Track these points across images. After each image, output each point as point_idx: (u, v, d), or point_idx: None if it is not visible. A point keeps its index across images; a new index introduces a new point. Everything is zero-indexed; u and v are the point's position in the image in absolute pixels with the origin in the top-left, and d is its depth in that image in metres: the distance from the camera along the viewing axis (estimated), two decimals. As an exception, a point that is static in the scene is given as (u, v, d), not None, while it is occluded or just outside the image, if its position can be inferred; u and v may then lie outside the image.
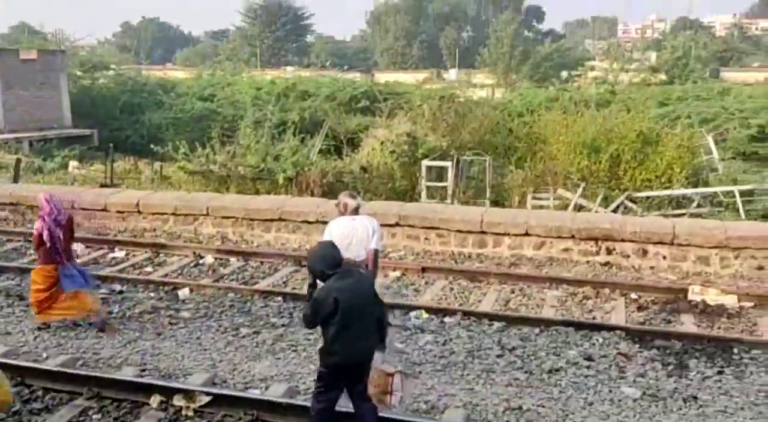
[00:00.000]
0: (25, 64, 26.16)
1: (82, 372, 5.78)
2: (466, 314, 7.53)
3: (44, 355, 6.35)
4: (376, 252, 5.64)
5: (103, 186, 14.30)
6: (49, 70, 27.11)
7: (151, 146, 17.78)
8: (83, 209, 11.42)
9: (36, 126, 25.69)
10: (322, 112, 24.07)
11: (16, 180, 15.01)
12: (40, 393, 5.62)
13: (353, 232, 5.54)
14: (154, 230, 11.16)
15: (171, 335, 6.99)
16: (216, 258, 9.72)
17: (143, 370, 6.07)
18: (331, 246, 4.68)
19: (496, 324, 7.27)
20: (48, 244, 6.91)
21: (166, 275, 9.03)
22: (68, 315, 7.03)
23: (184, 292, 8.22)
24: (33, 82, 26.21)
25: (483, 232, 9.93)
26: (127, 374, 5.86)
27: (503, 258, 9.79)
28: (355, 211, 5.68)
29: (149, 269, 9.36)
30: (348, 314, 4.36)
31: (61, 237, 6.95)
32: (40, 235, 6.91)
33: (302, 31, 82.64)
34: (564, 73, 43.58)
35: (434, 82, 35.06)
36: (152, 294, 8.21)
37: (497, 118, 18.43)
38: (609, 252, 9.51)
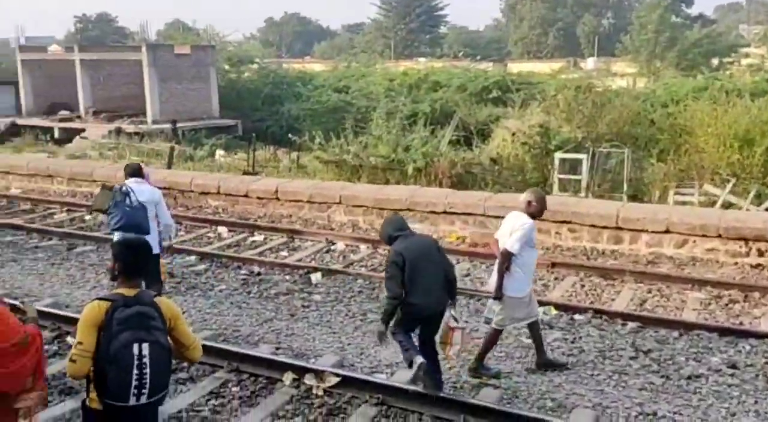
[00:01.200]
0: (179, 58, 28.21)
1: (224, 347, 6.19)
2: (598, 312, 7.25)
3: (191, 330, 6.86)
4: (503, 252, 5.64)
5: (245, 173, 15.14)
6: (200, 65, 29.06)
7: (290, 136, 18.64)
8: (228, 194, 12.20)
9: (188, 116, 27.69)
10: (452, 103, 23.99)
11: (169, 166, 16.28)
12: (185, 364, 6.08)
13: (502, 225, 5.89)
14: (291, 216, 11.68)
15: (303, 317, 7.31)
16: (347, 245, 10.03)
17: (278, 348, 6.40)
18: (396, 214, 5.91)
19: (630, 325, 6.95)
20: None
21: (300, 260, 9.44)
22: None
23: (316, 277, 8.56)
24: (186, 75, 28.22)
25: (619, 228, 9.49)
26: (264, 351, 6.21)
27: (640, 255, 9.32)
28: (524, 204, 5.72)
29: (285, 253, 9.83)
30: (414, 269, 4.99)
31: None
32: None
33: (435, 22, 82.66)
34: (714, 61, 40.47)
35: (570, 71, 33.85)
36: (287, 277, 8.62)
37: (638, 109, 17.49)
38: (761, 253, 8.77)
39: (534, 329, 5.92)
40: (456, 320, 5.41)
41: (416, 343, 5.30)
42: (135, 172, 7.40)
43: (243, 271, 8.85)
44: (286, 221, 11.50)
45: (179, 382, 5.75)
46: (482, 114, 21.19)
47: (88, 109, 27.81)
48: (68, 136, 25.51)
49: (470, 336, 5.91)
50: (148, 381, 3.26)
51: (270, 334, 6.81)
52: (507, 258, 5.61)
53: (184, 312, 7.24)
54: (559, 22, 75.33)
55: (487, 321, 5.83)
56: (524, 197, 5.80)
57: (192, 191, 12.68)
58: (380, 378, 5.72)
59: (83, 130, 25.59)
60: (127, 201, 6.87)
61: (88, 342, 3.26)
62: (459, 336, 5.41)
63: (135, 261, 3.53)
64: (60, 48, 31.90)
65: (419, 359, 5.10)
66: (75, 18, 73.15)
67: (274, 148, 21.04)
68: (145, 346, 3.25)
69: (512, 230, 5.64)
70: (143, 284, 3.73)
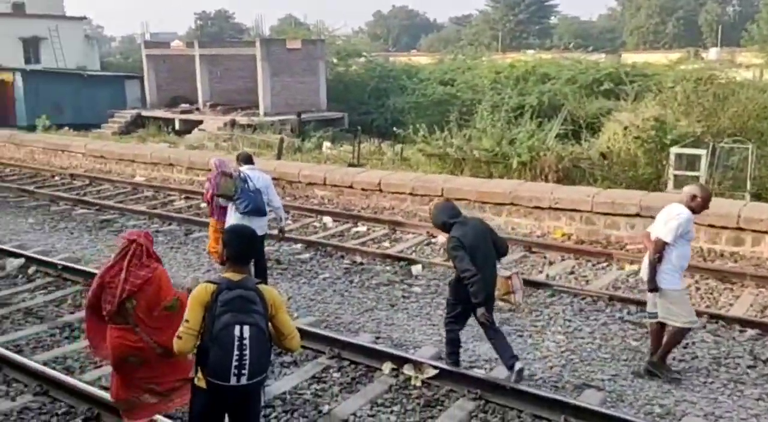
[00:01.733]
0: (290, 52, 29.06)
1: (326, 334, 6.36)
2: (714, 317, 6.85)
3: (295, 315, 7.10)
4: (656, 240, 5.49)
5: (350, 165, 15.42)
6: (310, 58, 29.80)
7: (394, 129, 18.76)
8: (333, 185, 12.49)
9: (297, 109, 28.50)
10: (561, 96, 23.25)
11: (279, 157, 16.86)
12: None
13: (657, 218, 5.70)
14: (393, 208, 11.81)
15: (403, 307, 7.38)
16: (448, 239, 10.00)
17: (378, 338, 6.51)
18: (448, 201, 5.96)
19: (750, 332, 6.52)
20: (213, 202, 7.98)
21: (401, 251, 9.52)
22: None
23: (417, 268, 8.61)
24: (296, 69, 29.03)
25: (740, 228, 8.92)
26: (364, 339, 6.33)
27: (763, 259, 8.70)
28: (687, 197, 5.52)
29: (387, 244, 9.95)
30: (473, 253, 5.27)
31: None
32: (207, 193, 8.03)
33: (546, 13, 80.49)
34: None
35: (690, 62, 31.92)
36: (388, 268, 8.73)
37: (765, 102, 16.25)
38: None
39: (667, 331, 5.64)
40: (506, 269, 5.85)
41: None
42: (247, 159, 7.90)
43: (346, 261, 9.05)
44: (388, 213, 11.63)
45: (283, 365, 5.96)
46: (593, 107, 20.40)
47: (206, 102, 29.22)
48: (188, 127, 26.96)
49: (520, 277, 6.02)
50: (247, 362, 3.40)
51: (370, 323, 6.93)
52: (660, 248, 5.42)
53: (289, 298, 7.53)
54: (680, 10, 71.28)
55: (652, 316, 5.65)
56: (688, 190, 5.55)
57: (299, 182, 13.08)
58: (479, 372, 5.68)
59: (201, 122, 26.95)
60: (247, 185, 7.37)
61: (194, 321, 3.46)
62: (517, 281, 5.69)
63: (243, 249, 3.72)
64: (182, 44, 33.76)
65: (455, 359, 5.67)
66: (195, 15, 77.23)
67: (379, 141, 21.25)
68: (246, 328, 3.39)
69: (668, 219, 5.42)
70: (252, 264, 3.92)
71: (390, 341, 6.45)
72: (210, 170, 8.13)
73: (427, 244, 9.88)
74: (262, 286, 3.59)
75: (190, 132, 25.91)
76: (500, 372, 5.59)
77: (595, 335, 6.60)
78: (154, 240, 4.95)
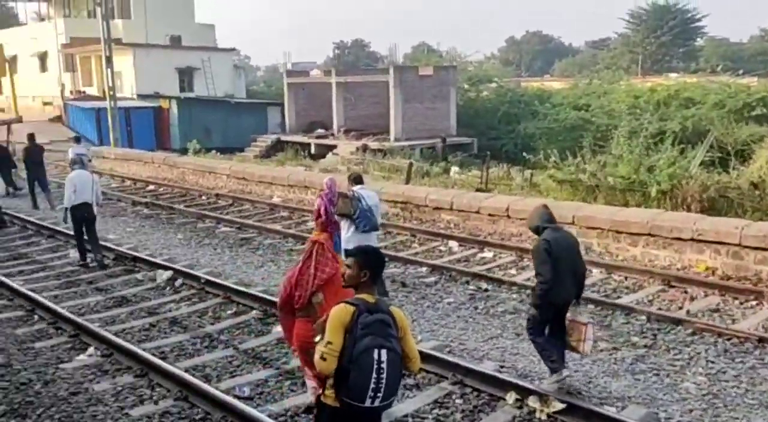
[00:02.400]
0: (422, 79, 29.57)
1: (450, 359, 6.32)
2: None
3: (419, 338, 7.13)
4: None
5: (478, 190, 15.34)
6: (442, 85, 30.16)
7: (524, 154, 18.48)
8: (460, 210, 12.48)
9: (427, 134, 28.87)
10: (707, 121, 21.91)
11: (407, 181, 17.12)
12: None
13: None
14: (521, 234, 11.57)
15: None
16: (579, 268, 9.65)
17: (502, 366, 6.38)
18: (546, 207, 5.96)
19: None
20: (323, 218, 7.98)
21: (528, 279, 9.27)
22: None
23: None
24: (427, 95, 29.48)
25: None
26: (488, 367, 6.22)
27: None
28: None
29: (513, 271, 9.76)
30: (557, 260, 5.47)
31: (333, 213, 7.83)
32: (319, 210, 8.03)
33: (691, 35, 76.09)
34: None
35: None
36: (515, 296, 8.55)
37: None
38: None
39: None
40: (583, 315, 5.91)
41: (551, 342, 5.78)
42: (358, 179, 8.40)
43: (471, 286, 8.97)
44: (516, 239, 11.41)
45: (406, 388, 5.99)
46: (742, 133, 19.05)
47: (340, 128, 30.36)
48: (322, 151, 28.12)
49: (596, 329, 6.15)
50: (384, 385, 3.42)
51: (495, 351, 6.81)
52: None
53: (413, 321, 7.58)
54: None
55: None
56: None
57: (426, 206, 13.18)
58: (610, 410, 5.40)
59: (335, 147, 28.02)
60: (362, 204, 7.80)
61: (337, 342, 3.48)
62: (591, 331, 5.80)
63: (379, 270, 3.78)
64: (320, 72, 35.38)
65: (565, 372, 5.73)
66: (334, 44, 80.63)
67: (508, 166, 21.02)
68: (384, 352, 3.42)
69: None
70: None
71: (515, 371, 6.30)
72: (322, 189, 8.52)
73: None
74: (392, 308, 3.62)
75: (324, 156, 27.00)
76: (633, 412, 5.28)
77: (741, 379, 6.08)
78: (288, 258, 5.18)
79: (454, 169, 21.47)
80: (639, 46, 71.62)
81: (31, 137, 16.08)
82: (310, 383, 5.16)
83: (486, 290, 8.82)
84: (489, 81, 35.95)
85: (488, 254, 10.66)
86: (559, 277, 5.49)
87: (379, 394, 3.43)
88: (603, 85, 32.21)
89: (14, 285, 8.97)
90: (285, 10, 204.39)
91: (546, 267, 5.50)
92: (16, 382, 6.16)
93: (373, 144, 26.92)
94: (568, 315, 5.77)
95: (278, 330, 7.31)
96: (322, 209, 8.47)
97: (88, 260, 10.31)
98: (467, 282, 9.14)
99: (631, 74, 50.58)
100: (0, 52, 24.14)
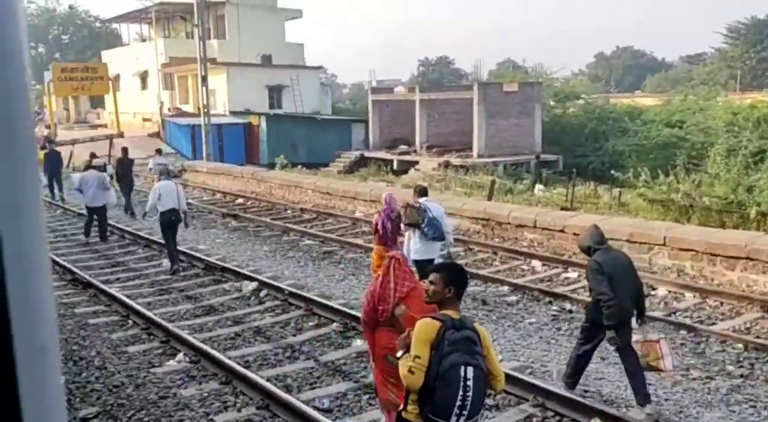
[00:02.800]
0: (507, 96, 29.29)
1: (531, 380, 6.18)
2: None
3: (499, 358, 7.01)
4: None
5: (563, 208, 15.01)
6: (527, 101, 29.77)
7: (612, 172, 17.93)
8: (544, 228, 12.23)
9: (510, 151, 28.52)
10: (814, 139, 20.54)
11: (489, 198, 16.95)
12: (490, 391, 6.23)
13: None
14: (608, 255, 11.21)
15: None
16: (669, 292, 9.25)
17: (586, 391, 6.17)
18: (597, 227, 6.21)
19: None
20: (381, 232, 8.59)
21: (615, 301, 8.98)
22: None
23: (634, 321, 8.04)
24: (512, 111, 29.16)
25: None
26: (573, 392, 6.04)
27: None
28: None
29: (599, 293, 9.44)
30: (610, 281, 5.60)
31: (390, 227, 8.60)
32: (377, 224, 8.70)
33: (796, 48, 71.81)
34: None
35: None
36: (600, 319, 8.27)
37: None
38: None
39: None
40: (650, 333, 5.95)
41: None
42: (424, 191, 8.88)
43: (554, 307, 8.76)
44: (603, 260, 11.06)
45: (485, 407, 5.89)
46: None
47: (423, 144, 30.46)
48: (404, 167, 28.29)
49: (668, 342, 6.11)
50: (469, 403, 3.39)
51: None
52: None
53: (494, 340, 7.46)
54: None
55: None
56: None
57: (509, 223, 13.00)
58: (700, 442, 5.13)
59: (417, 163, 28.12)
60: (428, 214, 8.17)
61: (425, 357, 3.46)
62: (666, 347, 5.73)
63: (464, 287, 3.75)
64: (404, 89, 35.71)
65: (573, 382, 6.06)
66: (418, 62, 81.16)
67: (595, 184, 20.45)
68: (470, 370, 3.40)
69: None
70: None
71: (599, 396, 6.08)
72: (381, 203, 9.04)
73: (646, 297, 9.19)
74: (476, 325, 3.59)
75: (406, 172, 27.13)
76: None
77: None
78: (368, 273, 5.24)
79: (539, 186, 21.09)
80: (737, 60, 68.27)
81: (124, 151, 17.26)
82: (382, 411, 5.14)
83: (570, 311, 8.59)
84: (576, 97, 35.16)
85: (573, 274, 10.38)
86: (616, 298, 5.60)
87: (464, 412, 3.39)
88: (698, 102, 30.86)
89: (111, 291, 9.49)
90: (371, 30, 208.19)
91: (604, 284, 5.63)
92: (109, 384, 6.49)
93: (456, 160, 26.85)
94: (638, 336, 5.73)
95: (358, 343, 7.39)
96: (380, 224, 8.83)
97: (178, 267, 10.86)
98: (550, 303, 8.93)
99: (729, 90, 48.24)
100: (105, 71, 25.78)
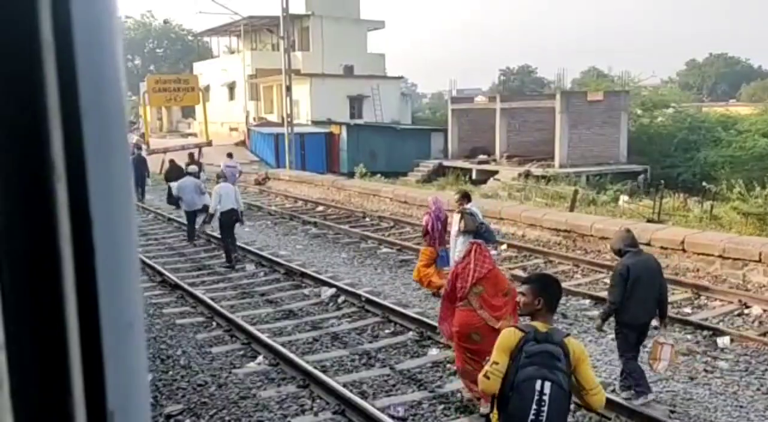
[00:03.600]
0: (591, 105, 28.54)
1: (615, 398, 5.94)
2: None
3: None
4: None
5: (649, 221, 14.45)
6: (612, 110, 28.92)
7: (703, 184, 17.15)
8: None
9: (594, 161, 27.76)
10: None
11: (571, 209, 16.53)
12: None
13: None
14: (697, 270, 10.72)
15: (705, 383, 6.61)
16: (765, 310, 8.73)
17: (672, 412, 5.92)
18: (629, 231, 6.33)
19: None
20: (430, 233, 9.30)
21: (705, 319, 8.56)
22: (440, 285, 8.70)
23: (723, 341, 7.65)
24: (596, 121, 28.40)
25: None
26: (658, 412, 5.80)
27: None
28: None
29: (687, 310, 9.04)
30: (636, 282, 5.78)
31: (439, 229, 9.35)
32: (426, 226, 9.44)
33: None
34: None
35: None
36: (689, 336, 7.92)
37: None
38: None
39: None
40: (665, 336, 6.23)
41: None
42: (468, 196, 9.15)
43: (639, 323, 8.42)
44: (692, 275, 10.58)
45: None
46: None
47: (503, 153, 30.09)
48: (484, 177, 28.02)
49: (677, 353, 6.41)
50: (545, 418, 3.31)
51: (664, 395, 6.34)
52: None
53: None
54: None
55: None
56: None
57: (591, 235, 12.63)
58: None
59: (496, 172, 27.80)
60: (479, 219, 8.68)
61: (502, 364, 3.44)
62: (668, 352, 6.04)
63: (555, 299, 3.65)
64: (484, 98, 35.42)
65: (651, 396, 5.93)
66: (499, 71, 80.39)
67: (684, 196, 19.58)
68: (548, 385, 3.32)
69: None
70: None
71: (687, 417, 5.81)
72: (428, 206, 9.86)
73: (738, 315, 8.73)
74: (568, 339, 3.47)
75: (485, 182, 26.88)
76: None
77: None
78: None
79: (624, 197, 20.39)
80: None
81: (191, 156, 19.18)
82: (466, 382, 5.94)
83: (655, 328, 8.24)
84: (665, 106, 33.85)
85: (659, 289, 9.96)
86: (638, 299, 5.82)
87: None
88: (800, 110, 29.12)
89: (197, 293, 9.85)
90: (452, 39, 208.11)
91: (616, 291, 5.90)
92: (193, 383, 6.74)
93: (537, 170, 26.37)
94: (657, 337, 6.16)
95: (434, 352, 7.37)
96: (429, 225, 9.37)
97: (234, 262, 11.88)
98: (665, 335, 8.59)
99: (835, 97, 45.19)
100: (195, 82, 26.85)
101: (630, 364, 6.04)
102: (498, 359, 3.46)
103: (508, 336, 3.49)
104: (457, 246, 8.41)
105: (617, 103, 29.25)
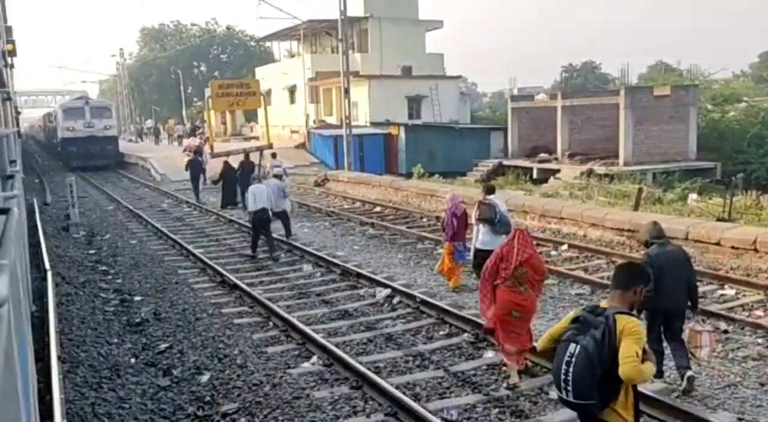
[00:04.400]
0: (658, 100, 27.60)
1: (678, 405, 5.70)
2: None
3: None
4: None
5: (719, 220, 13.83)
6: (680, 105, 27.90)
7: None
8: (696, 241, 11.34)
9: (661, 158, 26.85)
10: None
11: (636, 208, 15.99)
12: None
13: None
14: (771, 272, 10.17)
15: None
16: None
17: (740, 419, 5.62)
18: (656, 223, 6.59)
19: None
20: (446, 229, 9.87)
21: (779, 322, 8.11)
22: (458, 279, 10.10)
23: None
24: (663, 117, 27.45)
25: None
26: (723, 418, 5.51)
27: None
28: None
29: (759, 312, 8.57)
30: (661, 272, 5.98)
31: (454, 224, 9.89)
32: (443, 222, 10.10)
33: None
34: None
35: None
36: (760, 341, 7.51)
37: None
38: None
39: None
40: (701, 324, 6.39)
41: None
42: (492, 189, 9.80)
43: (707, 326, 8.04)
44: (765, 276, 10.04)
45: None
46: None
47: (564, 152, 29.44)
48: (544, 176, 27.48)
49: (716, 338, 6.75)
50: (570, 379, 3.56)
51: (732, 401, 6.03)
52: None
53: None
54: None
55: None
56: None
57: (657, 235, 12.16)
58: None
59: (558, 171, 27.22)
60: (498, 210, 9.12)
61: (555, 329, 3.85)
62: (707, 339, 6.23)
63: (622, 282, 3.79)
64: (545, 96, 34.74)
65: (689, 372, 6.17)
66: (562, 68, 78.76)
67: (757, 194, 18.65)
68: (574, 346, 3.59)
69: None
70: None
71: (758, 427, 5.50)
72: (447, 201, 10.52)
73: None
74: (619, 316, 3.57)
75: (546, 181, 26.36)
76: None
77: None
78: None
79: (692, 196, 19.61)
80: None
81: (246, 155, 20.46)
82: (506, 358, 6.65)
83: (725, 331, 7.86)
84: (737, 100, 32.44)
85: (730, 292, 9.51)
86: (665, 288, 5.99)
87: (567, 387, 3.56)
88: None
89: (255, 293, 10.00)
90: (513, 37, 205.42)
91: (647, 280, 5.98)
92: (249, 382, 6.82)
93: (600, 168, 25.67)
94: (689, 324, 6.27)
95: (489, 355, 7.23)
96: (446, 221, 9.99)
97: (258, 254, 12.91)
98: (702, 321, 8.21)
99: None
100: (257, 86, 27.33)
101: (656, 348, 6.19)
102: (551, 330, 3.91)
103: (568, 318, 3.83)
104: (478, 233, 9.28)
105: (685, 98, 28.20)
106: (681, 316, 6.27)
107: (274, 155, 20.77)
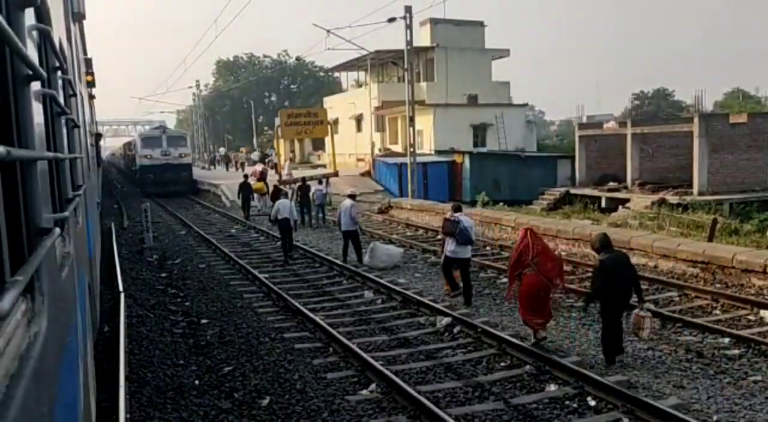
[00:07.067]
0: (734, 128, 26.58)
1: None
2: None
3: (714, 418, 6.22)
4: None
5: (802, 253, 13.08)
6: (758, 133, 26.80)
7: None
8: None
9: (738, 188, 25.76)
10: None
11: (710, 239, 15.35)
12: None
13: None
14: None
15: None
16: None
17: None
18: (605, 234, 8.16)
19: None
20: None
21: None
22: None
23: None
24: (740, 145, 26.40)
25: None
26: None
27: None
28: None
29: None
30: (609, 274, 7.61)
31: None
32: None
33: None
34: None
35: None
36: None
37: None
38: None
39: None
40: (644, 310, 8.02)
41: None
42: (458, 208, 11.80)
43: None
44: None
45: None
46: None
47: (635, 180, 28.65)
48: (613, 205, 26.76)
49: (654, 322, 8.54)
50: None
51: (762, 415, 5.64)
52: None
53: (708, 398, 6.64)
54: None
55: None
56: None
57: (733, 267, 11.64)
58: None
59: (627, 200, 26.46)
60: (461, 226, 10.92)
61: None
62: (648, 322, 7.98)
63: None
64: (615, 124, 34.02)
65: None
66: (633, 95, 77.12)
67: None
68: None
69: None
70: None
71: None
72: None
73: None
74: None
75: (615, 210, 25.67)
76: None
77: None
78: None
79: (772, 227, 18.69)
80: None
81: (303, 180, 23.12)
82: (534, 326, 8.48)
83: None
84: (821, 127, 30.79)
85: (812, 329, 8.97)
86: (613, 285, 7.64)
87: None
88: None
89: (317, 319, 10.08)
90: (582, 65, 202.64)
91: (598, 281, 7.78)
92: (308, 408, 6.85)
93: (672, 198, 24.81)
94: (636, 311, 7.96)
95: (552, 389, 7.04)
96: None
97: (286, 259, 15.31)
98: (646, 309, 7.90)
99: None
100: (324, 115, 27.89)
101: (606, 329, 7.85)
102: None
103: None
104: (447, 244, 11.18)
105: (764, 126, 27.06)
106: (626, 305, 7.92)
107: (320, 181, 23.90)
